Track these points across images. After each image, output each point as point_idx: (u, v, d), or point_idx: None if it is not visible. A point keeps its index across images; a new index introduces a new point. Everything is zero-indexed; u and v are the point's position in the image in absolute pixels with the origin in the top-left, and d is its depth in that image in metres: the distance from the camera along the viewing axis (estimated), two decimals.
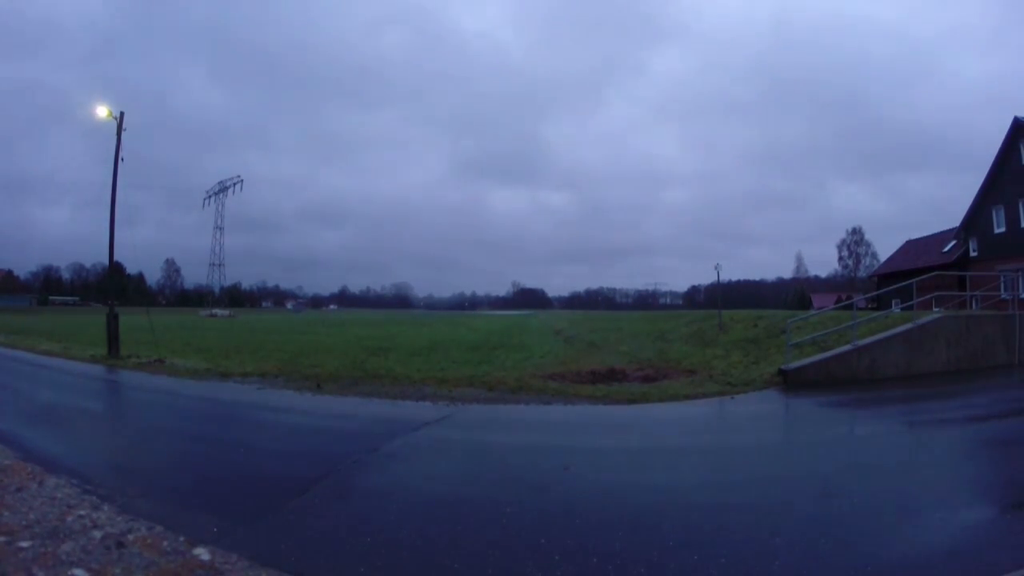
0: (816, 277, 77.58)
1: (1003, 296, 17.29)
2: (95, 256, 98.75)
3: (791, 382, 9.73)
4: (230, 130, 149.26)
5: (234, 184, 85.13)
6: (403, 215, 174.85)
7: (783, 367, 10.17)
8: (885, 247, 70.56)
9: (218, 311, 63.24)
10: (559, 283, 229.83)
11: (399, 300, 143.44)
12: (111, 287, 19.90)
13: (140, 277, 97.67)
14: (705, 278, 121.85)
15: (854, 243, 68.47)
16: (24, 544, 3.14)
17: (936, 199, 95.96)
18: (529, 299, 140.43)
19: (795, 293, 67.67)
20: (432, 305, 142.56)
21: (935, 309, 13.96)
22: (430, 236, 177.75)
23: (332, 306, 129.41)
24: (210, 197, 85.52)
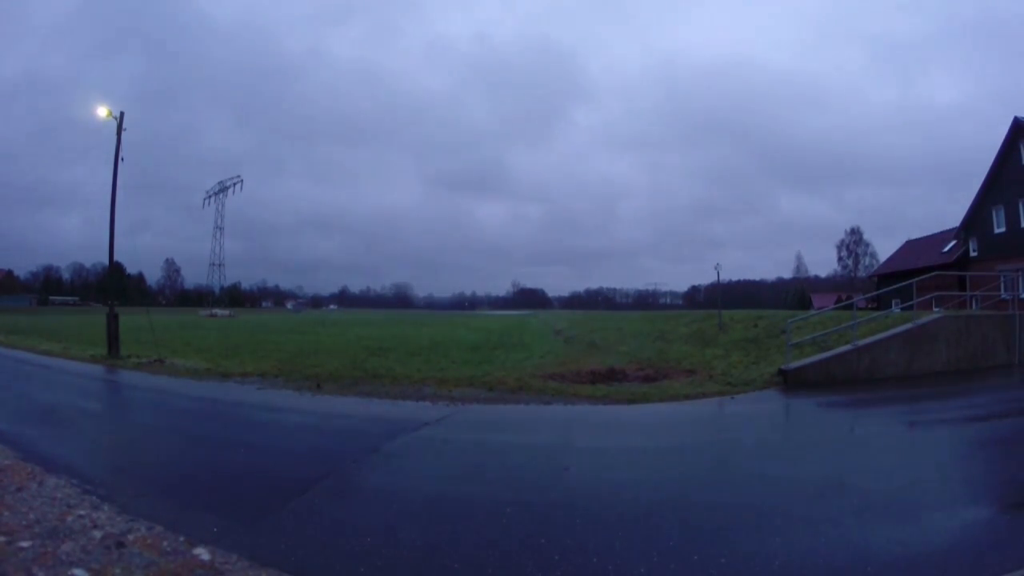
0: (816, 277, 77.55)
1: (1003, 296, 17.28)
2: (95, 256, 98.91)
3: (791, 382, 9.73)
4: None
5: (234, 184, 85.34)
6: (400, 220, 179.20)
7: (783, 367, 10.17)
8: (885, 247, 70.78)
9: (218, 311, 63.24)
10: (559, 283, 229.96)
11: (399, 300, 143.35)
12: (111, 287, 19.91)
13: (140, 277, 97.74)
14: (705, 278, 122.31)
15: (853, 243, 68.53)
16: (24, 544, 3.14)
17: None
18: (529, 299, 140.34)
19: (795, 293, 67.63)
20: (432, 305, 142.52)
21: (935, 309, 13.97)
22: (429, 238, 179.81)
23: (332, 306, 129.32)
24: (210, 197, 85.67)
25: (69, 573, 2.85)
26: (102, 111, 15.13)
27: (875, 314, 14.46)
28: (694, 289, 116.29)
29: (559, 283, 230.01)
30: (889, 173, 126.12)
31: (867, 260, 65.11)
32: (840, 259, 69.51)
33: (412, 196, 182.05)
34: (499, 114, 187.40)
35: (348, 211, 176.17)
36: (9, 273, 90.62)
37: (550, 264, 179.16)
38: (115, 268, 19.64)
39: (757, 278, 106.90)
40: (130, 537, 3.33)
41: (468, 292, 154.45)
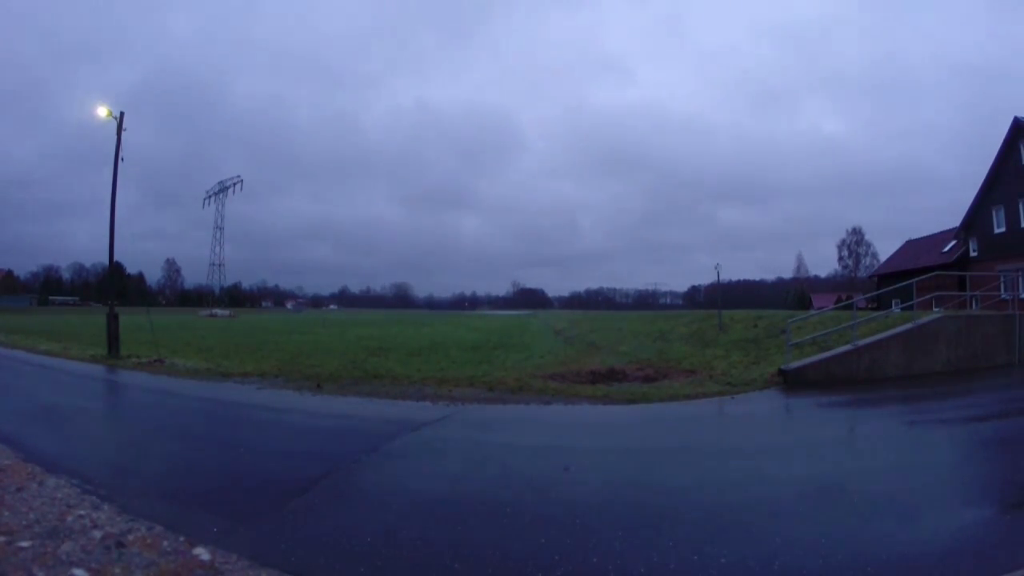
0: (816, 277, 77.58)
1: (1003, 296, 17.28)
2: (95, 256, 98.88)
3: (791, 382, 9.73)
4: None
5: (234, 184, 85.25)
6: (395, 225, 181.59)
7: (783, 367, 10.17)
8: (885, 247, 70.93)
9: (218, 311, 63.20)
10: (559, 283, 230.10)
11: (399, 300, 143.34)
12: (111, 287, 19.90)
13: (140, 277, 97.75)
14: (705, 278, 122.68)
15: (854, 243, 68.49)
16: (24, 544, 3.14)
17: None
18: (529, 299, 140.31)
19: (795, 293, 67.58)
20: (432, 305, 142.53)
21: (935, 309, 13.96)
22: (426, 239, 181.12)
23: (332, 306, 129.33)
24: (210, 197, 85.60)
25: (69, 573, 2.85)
26: (102, 111, 15.13)
27: (875, 314, 14.47)
28: (694, 289, 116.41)
29: (559, 283, 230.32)
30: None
31: (867, 260, 65.14)
32: (840, 259, 69.57)
33: (395, 210, 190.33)
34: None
35: (347, 212, 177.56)
36: (9, 273, 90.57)
37: (546, 265, 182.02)
38: (115, 268, 19.63)
39: (757, 278, 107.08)
40: (130, 537, 3.33)
41: (468, 292, 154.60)
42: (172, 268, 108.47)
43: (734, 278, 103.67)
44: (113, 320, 14.59)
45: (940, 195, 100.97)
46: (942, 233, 30.75)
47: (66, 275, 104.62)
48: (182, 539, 3.32)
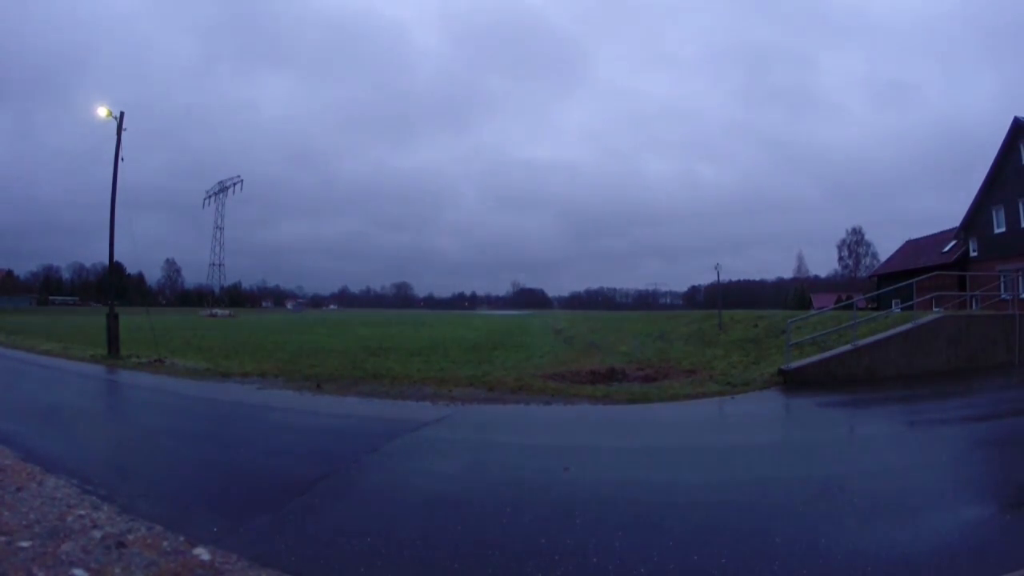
0: (816, 277, 77.45)
1: (1003, 296, 17.28)
2: (95, 256, 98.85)
3: (791, 382, 9.73)
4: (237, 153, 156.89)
5: (234, 184, 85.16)
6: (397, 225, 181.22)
7: (783, 367, 10.17)
8: (885, 247, 70.96)
9: (218, 311, 63.18)
10: (559, 283, 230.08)
11: (399, 300, 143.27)
12: (111, 287, 19.90)
13: (140, 277, 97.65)
14: (705, 278, 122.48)
15: (854, 243, 68.53)
16: (24, 544, 3.14)
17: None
18: (529, 299, 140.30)
19: (795, 293, 67.55)
20: (432, 305, 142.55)
21: (935, 309, 13.97)
22: (428, 239, 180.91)
23: (332, 306, 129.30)
24: (210, 197, 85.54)
25: (69, 573, 2.85)
26: (102, 111, 15.13)
27: (875, 314, 14.48)
28: (694, 289, 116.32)
29: (559, 283, 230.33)
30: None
31: (868, 260, 65.15)
32: (841, 259, 69.61)
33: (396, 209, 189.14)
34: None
35: (347, 214, 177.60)
36: (9, 273, 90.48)
37: (556, 264, 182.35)
38: (115, 268, 19.63)
39: (757, 278, 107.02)
40: (130, 537, 3.33)
41: (468, 292, 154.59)
42: (172, 268, 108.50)
43: (734, 278, 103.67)
44: (113, 320, 14.58)
45: (940, 195, 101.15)
46: (942, 233, 30.72)
47: (66, 275, 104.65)
48: (182, 539, 3.32)
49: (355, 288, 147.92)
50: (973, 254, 25.89)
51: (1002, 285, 18.45)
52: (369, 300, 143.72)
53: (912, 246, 34.43)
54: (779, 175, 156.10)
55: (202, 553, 3.15)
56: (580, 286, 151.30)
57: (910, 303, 13.51)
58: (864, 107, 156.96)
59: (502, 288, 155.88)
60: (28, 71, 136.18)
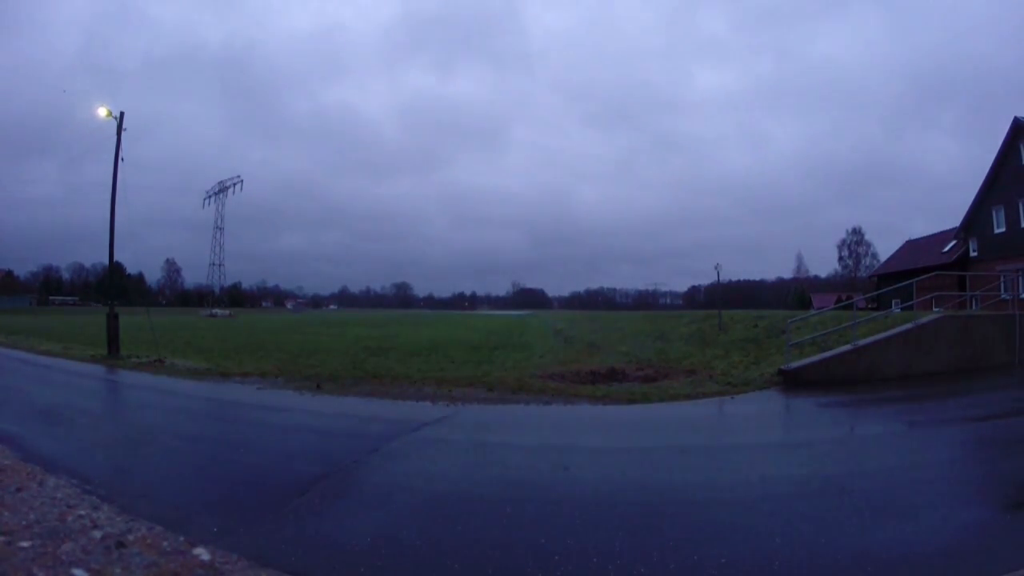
0: (816, 277, 77.34)
1: (1003, 296, 17.29)
2: (95, 256, 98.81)
3: (791, 382, 9.73)
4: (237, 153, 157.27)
5: (234, 184, 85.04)
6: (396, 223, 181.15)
7: (783, 367, 10.17)
8: (885, 247, 71.01)
9: (218, 311, 63.14)
10: (559, 283, 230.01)
11: (399, 300, 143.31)
12: (111, 287, 19.90)
13: (140, 277, 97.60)
14: (705, 278, 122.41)
15: (854, 243, 68.47)
16: (24, 544, 3.14)
17: None
18: (529, 299, 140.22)
19: (795, 293, 67.52)
20: (432, 305, 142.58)
21: (935, 309, 13.97)
22: (428, 239, 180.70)
23: (332, 306, 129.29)
24: (210, 197, 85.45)
25: (69, 573, 2.85)
26: (102, 111, 15.14)
27: (875, 314, 14.47)
28: (694, 289, 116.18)
29: (559, 283, 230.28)
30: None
31: (867, 260, 65.14)
32: (841, 259, 69.53)
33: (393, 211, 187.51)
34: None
35: (347, 213, 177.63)
36: (9, 273, 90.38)
37: (558, 264, 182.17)
38: (115, 268, 19.64)
39: (757, 278, 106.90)
40: (130, 537, 3.33)
41: (468, 292, 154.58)
42: (172, 268, 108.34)
43: (734, 278, 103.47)
44: (113, 320, 14.59)
45: (940, 195, 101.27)
46: (942, 233, 30.74)
47: (66, 275, 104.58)
48: (182, 539, 3.32)
49: (355, 288, 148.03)
50: (973, 254, 25.90)
51: (1002, 285, 18.45)
52: (369, 300, 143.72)
53: (912, 246, 34.46)
54: (779, 175, 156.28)
55: (202, 553, 3.15)
56: (580, 286, 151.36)
57: (910, 303, 13.52)
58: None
59: (502, 288, 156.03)
60: (29, 70, 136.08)
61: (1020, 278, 16.70)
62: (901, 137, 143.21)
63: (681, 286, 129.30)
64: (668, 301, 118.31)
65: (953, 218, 28.05)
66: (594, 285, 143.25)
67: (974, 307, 16.37)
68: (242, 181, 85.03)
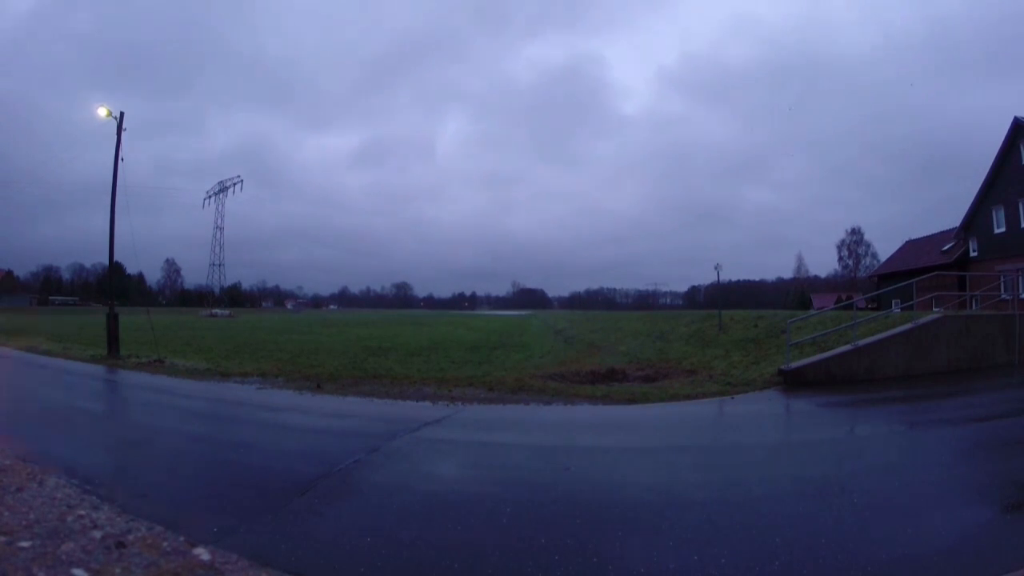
0: (816, 277, 77.42)
1: (1003, 296, 17.27)
2: (95, 256, 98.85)
3: (791, 382, 9.73)
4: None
5: (234, 184, 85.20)
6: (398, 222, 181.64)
7: (783, 367, 10.17)
8: (885, 247, 70.99)
9: (218, 311, 63.17)
10: (559, 283, 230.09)
11: (399, 300, 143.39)
12: (111, 287, 19.89)
13: (140, 277, 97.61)
14: (705, 278, 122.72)
15: (854, 243, 68.57)
16: (24, 544, 3.14)
17: None
18: (529, 299, 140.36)
19: (795, 293, 67.58)
20: (432, 305, 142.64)
21: (935, 309, 13.96)
22: (429, 239, 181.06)
23: (332, 306, 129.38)
24: (210, 197, 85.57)
25: (69, 573, 2.85)
26: (102, 111, 15.14)
27: (875, 314, 14.46)
28: (694, 289, 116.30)
29: (559, 283, 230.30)
30: None
31: (867, 260, 65.19)
32: (840, 259, 69.64)
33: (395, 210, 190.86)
34: None
35: (347, 212, 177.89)
36: (9, 273, 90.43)
37: (556, 264, 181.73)
38: (115, 268, 19.63)
39: (757, 278, 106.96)
40: (130, 537, 3.33)
41: (468, 292, 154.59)
42: (172, 268, 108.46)
43: (734, 278, 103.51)
44: (113, 320, 14.59)
45: (939, 195, 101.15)
46: (942, 233, 30.73)
47: (66, 275, 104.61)
48: (182, 539, 3.31)
49: (355, 288, 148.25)
50: (973, 254, 25.90)
51: (1002, 285, 18.43)
52: (369, 300, 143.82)
53: (912, 246, 34.45)
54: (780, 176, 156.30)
55: (202, 553, 3.15)
56: (580, 286, 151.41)
57: (910, 303, 13.48)
58: None
59: (502, 288, 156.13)
60: (28, 69, 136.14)
61: (1020, 278, 16.67)
62: None
63: (681, 286, 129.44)
64: (668, 301, 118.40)
65: (953, 218, 28.06)
66: (594, 285, 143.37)
67: (974, 307, 16.37)
68: (242, 181, 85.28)
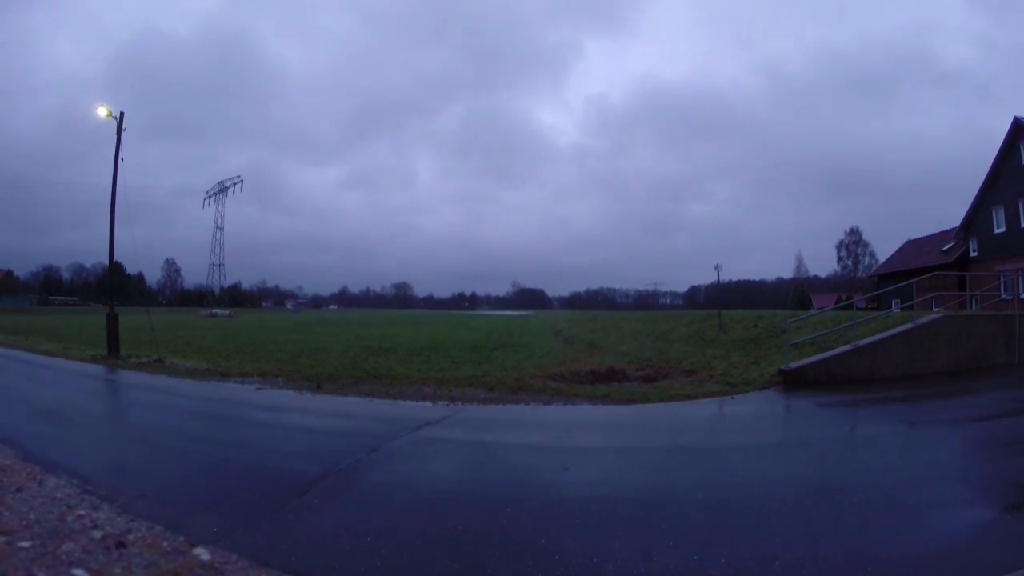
0: (816, 277, 77.37)
1: (1003, 296, 17.27)
2: (95, 256, 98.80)
3: (791, 382, 9.72)
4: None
5: (234, 184, 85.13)
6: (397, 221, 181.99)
7: (783, 367, 10.17)
8: (885, 248, 71.00)
9: (218, 311, 63.14)
10: (559, 283, 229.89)
11: (399, 300, 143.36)
12: (111, 287, 19.89)
13: (140, 277, 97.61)
14: (705, 278, 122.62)
15: (853, 243, 68.55)
16: (24, 544, 3.14)
17: None
18: (529, 299, 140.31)
19: (795, 293, 67.50)
20: (432, 305, 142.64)
21: (935, 309, 13.96)
22: (429, 237, 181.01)
23: (332, 306, 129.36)
24: (210, 197, 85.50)
25: (69, 573, 2.85)
26: (102, 111, 15.14)
27: (875, 314, 14.45)
28: (694, 289, 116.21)
29: (559, 283, 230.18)
30: None
31: (867, 260, 65.17)
32: (840, 259, 69.61)
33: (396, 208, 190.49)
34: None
35: (347, 211, 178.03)
36: (9, 273, 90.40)
37: (556, 264, 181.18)
38: (115, 268, 19.63)
39: (757, 278, 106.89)
40: (130, 537, 3.33)
41: (468, 292, 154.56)
42: (172, 268, 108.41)
43: (734, 278, 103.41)
44: (113, 320, 14.58)
45: (939, 195, 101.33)
46: (942, 233, 30.72)
47: (66, 275, 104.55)
48: (182, 539, 3.32)
49: (355, 288, 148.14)
50: (973, 254, 25.89)
51: (1002, 285, 18.43)
52: (369, 300, 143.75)
53: (912, 246, 34.43)
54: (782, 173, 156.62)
55: (202, 553, 3.15)
56: (580, 286, 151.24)
57: (910, 303, 13.48)
58: None
59: (502, 288, 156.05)
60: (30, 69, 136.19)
61: (1020, 278, 16.66)
62: None
63: (681, 286, 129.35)
64: (668, 301, 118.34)
65: (956, 218, 27.98)
66: (594, 285, 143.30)
67: (974, 307, 16.35)
68: (242, 181, 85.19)
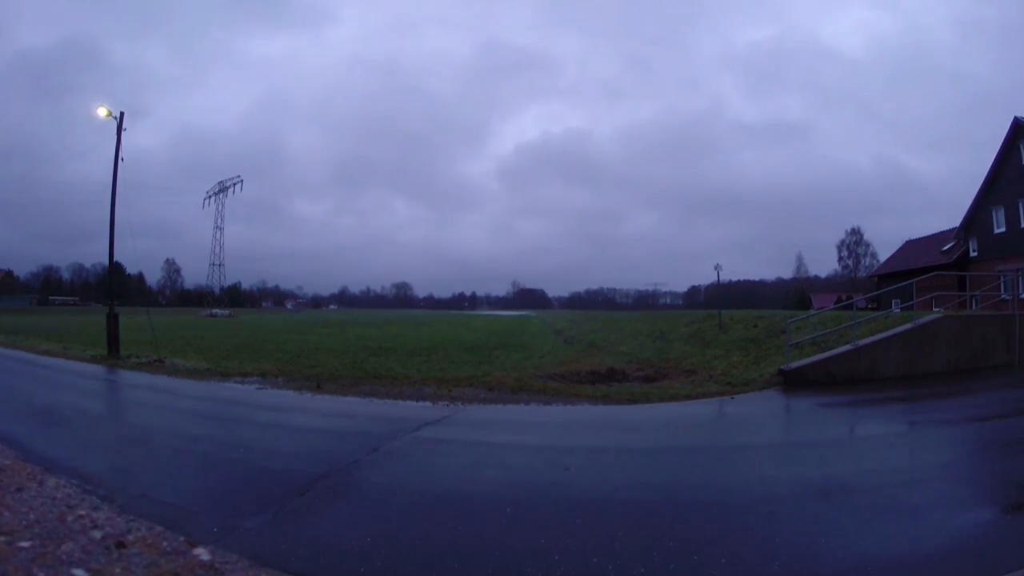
0: (816, 277, 77.27)
1: (1003, 296, 17.27)
2: (95, 256, 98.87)
3: (791, 382, 9.72)
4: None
5: (234, 184, 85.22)
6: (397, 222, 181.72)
7: (783, 367, 10.17)
8: (885, 247, 70.97)
9: (218, 311, 63.15)
10: (559, 283, 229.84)
11: (399, 300, 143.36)
12: (111, 287, 19.89)
13: (140, 277, 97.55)
14: (705, 278, 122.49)
15: (853, 243, 68.49)
16: (24, 544, 3.14)
17: None
18: (529, 299, 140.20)
19: (795, 293, 67.45)
20: (432, 305, 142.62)
21: (935, 309, 13.96)
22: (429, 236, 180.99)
23: (332, 306, 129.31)
24: (210, 197, 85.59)
25: (69, 573, 2.85)
26: (102, 111, 15.14)
27: (875, 314, 14.45)
28: (694, 289, 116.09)
29: (559, 283, 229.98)
30: None
31: (867, 260, 65.14)
32: (840, 259, 69.52)
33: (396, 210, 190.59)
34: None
35: (347, 212, 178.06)
36: (9, 273, 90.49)
37: (556, 264, 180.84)
38: (115, 268, 19.63)
39: (757, 278, 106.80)
40: (130, 537, 3.33)
41: (468, 292, 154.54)
42: (172, 268, 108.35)
43: (734, 278, 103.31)
44: (113, 320, 14.58)
45: (940, 195, 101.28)
46: (942, 233, 30.72)
47: (66, 275, 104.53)
48: (182, 539, 3.32)
49: (355, 288, 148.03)
50: (973, 254, 25.89)
51: (1002, 285, 18.42)
52: (369, 300, 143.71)
53: (912, 246, 34.45)
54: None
55: (202, 553, 3.15)
56: (580, 286, 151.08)
57: (910, 303, 13.47)
58: None
59: (502, 288, 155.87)
60: (29, 69, 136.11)
61: (1020, 278, 16.66)
62: None
63: (681, 286, 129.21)
64: (668, 301, 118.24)
65: (956, 218, 27.99)
66: (594, 285, 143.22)
67: (974, 307, 16.35)
68: (242, 181, 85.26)
